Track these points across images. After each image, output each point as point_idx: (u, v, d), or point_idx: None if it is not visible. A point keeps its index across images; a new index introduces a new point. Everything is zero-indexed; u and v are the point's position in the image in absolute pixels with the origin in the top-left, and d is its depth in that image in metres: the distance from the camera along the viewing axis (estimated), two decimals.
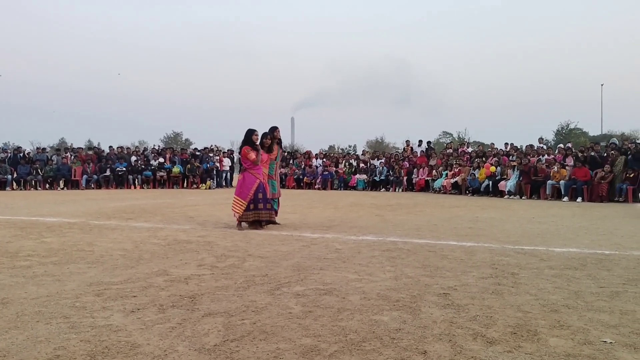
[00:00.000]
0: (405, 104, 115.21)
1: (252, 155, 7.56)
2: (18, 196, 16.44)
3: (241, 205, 7.52)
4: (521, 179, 16.83)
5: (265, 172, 7.92)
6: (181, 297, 3.67)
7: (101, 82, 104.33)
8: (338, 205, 12.66)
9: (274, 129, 8.35)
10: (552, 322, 3.10)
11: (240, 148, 7.82)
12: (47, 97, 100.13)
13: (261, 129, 8.06)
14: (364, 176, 22.25)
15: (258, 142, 7.81)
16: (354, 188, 22.01)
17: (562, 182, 15.76)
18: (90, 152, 24.31)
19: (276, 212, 8.31)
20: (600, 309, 3.38)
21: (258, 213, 7.58)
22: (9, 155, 22.56)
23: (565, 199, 15.37)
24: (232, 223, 7.96)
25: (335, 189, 22.20)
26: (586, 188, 15.31)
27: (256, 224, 7.59)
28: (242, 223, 7.64)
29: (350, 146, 56.79)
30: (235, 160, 25.34)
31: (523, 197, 16.53)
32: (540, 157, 17.90)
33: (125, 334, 2.85)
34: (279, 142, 8.52)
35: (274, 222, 7.96)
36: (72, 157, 23.01)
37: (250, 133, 7.73)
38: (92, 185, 21.72)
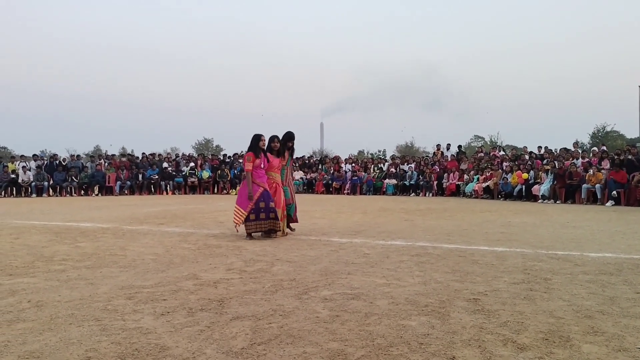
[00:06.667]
0: (435, 108, 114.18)
1: (249, 165, 7.17)
2: (54, 202, 16.88)
3: (241, 215, 7.16)
4: (555, 182, 16.49)
5: (276, 177, 7.54)
6: (210, 300, 3.70)
7: (134, 93, 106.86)
8: (367, 210, 12.61)
9: (288, 138, 7.87)
10: (586, 328, 3.02)
11: (245, 153, 7.45)
12: (83, 108, 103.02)
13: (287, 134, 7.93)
14: (393, 181, 22.13)
15: (265, 147, 7.43)
16: (384, 193, 21.90)
17: (597, 185, 15.37)
18: (124, 159, 24.81)
19: (294, 219, 7.91)
20: (636, 315, 3.27)
21: (259, 224, 7.18)
22: (46, 162, 23.22)
23: (609, 203, 14.84)
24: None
25: (364, 194, 22.13)
26: (623, 192, 14.90)
27: (268, 233, 7.28)
28: (252, 234, 7.26)
29: (379, 151, 56.50)
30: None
31: (557, 202, 16.19)
32: (575, 160, 17.50)
33: (155, 337, 2.89)
34: (291, 151, 7.98)
35: (277, 230, 7.36)
36: (106, 164, 23.54)
37: (257, 139, 7.32)
38: (126, 191, 22.16)
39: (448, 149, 23.83)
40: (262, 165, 7.30)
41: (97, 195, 21.93)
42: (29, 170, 21.65)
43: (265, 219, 7.19)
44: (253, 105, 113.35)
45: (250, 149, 7.31)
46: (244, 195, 7.21)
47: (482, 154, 22.76)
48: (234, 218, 7.28)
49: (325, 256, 5.65)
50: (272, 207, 7.23)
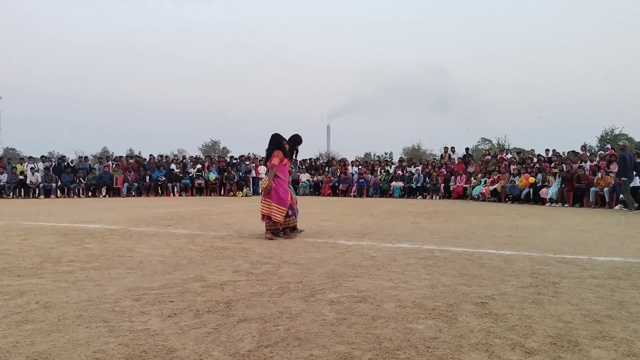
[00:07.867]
0: (442, 110, 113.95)
1: (276, 160, 7.38)
2: (62, 203, 16.96)
3: (282, 212, 7.36)
4: (563, 186, 16.40)
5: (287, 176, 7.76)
6: (217, 302, 3.71)
7: (141, 95, 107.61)
8: (374, 213, 12.60)
9: (296, 141, 8.00)
10: (594, 332, 3.00)
11: (271, 152, 7.52)
12: (90, 109, 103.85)
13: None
14: (400, 183, 22.09)
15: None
16: (390, 195, 21.86)
17: (606, 189, 15.27)
18: (131, 161, 24.90)
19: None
20: None
21: (287, 220, 7.52)
22: (54, 163, 23.35)
23: (617, 207, 14.69)
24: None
25: (370, 197, 22.11)
26: None
27: (289, 230, 7.57)
28: (281, 232, 7.49)
29: (386, 153, 56.50)
30: None
31: (565, 205, 16.09)
32: (583, 163, 17.40)
33: (162, 339, 2.90)
34: (296, 152, 8.18)
35: (296, 227, 7.81)
36: (114, 165, 23.65)
37: (282, 139, 7.59)
38: (133, 193, 22.24)
39: (453, 151, 23.76)
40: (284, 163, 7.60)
41: (104, 196, 22.03)
42: (37, 171, 21.78)
43: (291, 216, 7.61)
44: (259, 108, 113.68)
45: (277, 147, 7.53)
46: (281, 192, 7.41)
47: (490, 157, 22.69)
48: (275, 216, 7.39)
49: (332, 259, 5.64)
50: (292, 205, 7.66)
